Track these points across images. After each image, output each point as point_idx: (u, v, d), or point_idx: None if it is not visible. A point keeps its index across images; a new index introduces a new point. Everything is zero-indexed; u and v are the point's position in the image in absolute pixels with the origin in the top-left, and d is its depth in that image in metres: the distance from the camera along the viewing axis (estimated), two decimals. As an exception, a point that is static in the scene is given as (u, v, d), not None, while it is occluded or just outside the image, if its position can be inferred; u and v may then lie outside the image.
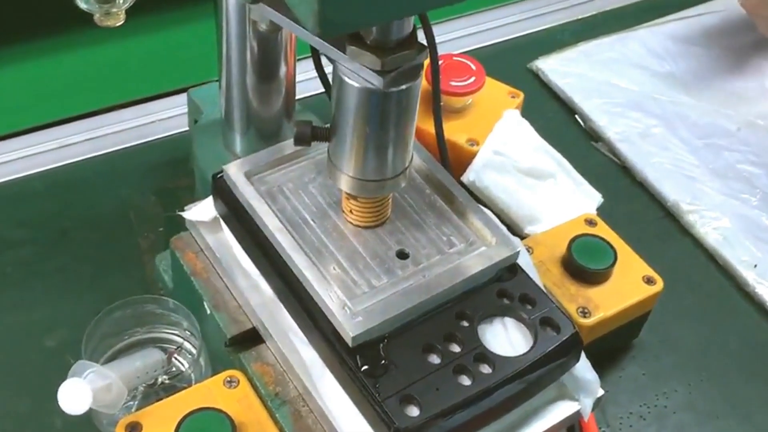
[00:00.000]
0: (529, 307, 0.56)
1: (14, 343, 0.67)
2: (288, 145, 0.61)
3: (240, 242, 0.60)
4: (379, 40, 0.47)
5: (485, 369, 0.53)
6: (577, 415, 0.57)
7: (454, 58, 0.77)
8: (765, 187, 0.82)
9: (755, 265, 0.76)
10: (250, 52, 0.63)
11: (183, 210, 0.63)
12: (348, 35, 0.47)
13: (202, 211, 0.62)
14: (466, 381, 0.52)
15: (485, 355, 0.53)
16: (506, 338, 0.55)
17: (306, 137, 0.53)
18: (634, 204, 0.82)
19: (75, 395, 0.53)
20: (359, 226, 0.57)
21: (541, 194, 0.74)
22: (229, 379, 0.57)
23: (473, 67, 0.77)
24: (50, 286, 0.71)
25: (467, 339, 0.53)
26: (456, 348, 0.53)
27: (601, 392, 0.58)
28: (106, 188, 0.78)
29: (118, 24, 0.52)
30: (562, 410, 0.56)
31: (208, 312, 0.61)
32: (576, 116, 0.89)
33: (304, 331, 0.56)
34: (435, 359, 0.53)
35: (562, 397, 0.57)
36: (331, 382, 0.54)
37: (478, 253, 0.57)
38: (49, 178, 0.79)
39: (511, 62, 0.94)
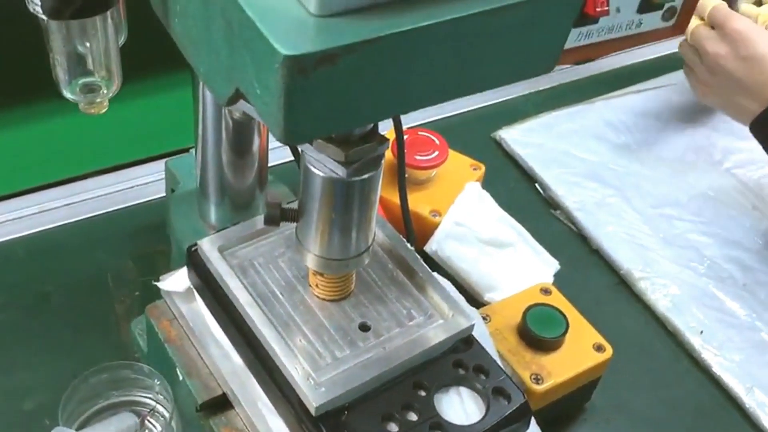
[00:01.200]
0: (483, 377, 0.59)
1: (-7, 405, 0.70)
2: (259, 221, 0.65)
3: (212, 313, 0.63)
4: (343, 134, 0.51)
5: (440, 437, 0.56)
6: (527, 478, 0.60)
7: (419, 133, 0.82)
8: (713, 256, 0.87)
9: (701, 332, 0.80)
10: (225, 131, 0.67)
11: (158, 280, 0.66)
12: (314, 129, 0.52)
13: (177, 281, 0.66)
14: (421, 452, 0.55)
15: (440, 424, 0.56)
16: (461, 407, 0.58)
17: (275, 219, 0.57)
18: (589, 271, 0.86)
19: (52, 461, 0.56)
20: (325, 300, 0.61)
21: (500, 263, 0.79)
22: (199, 444, 0.61)
23: (437, 141, 0.81)
24: (30, 349, 0.74)
25: (424, 408, 0.57)
26: (413, 417, 0.57)
27: (550, 457, 0.62)
28: (85, 253, 0.82)
29: (102, 112, 0.56)
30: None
31: (181, 378, 0.64)
32: (536, 185, 0.93)
33: (272, 400, 0.59)
34: (393, 428, 0.56)
35: (513, 461, 0.60)
36: (296, 449, 0.57)
37: (435, 325, 0.60)
38: (30, 243, 0.82)
39: (475, 132, 0.99)
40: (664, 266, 0.85)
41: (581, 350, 0.70)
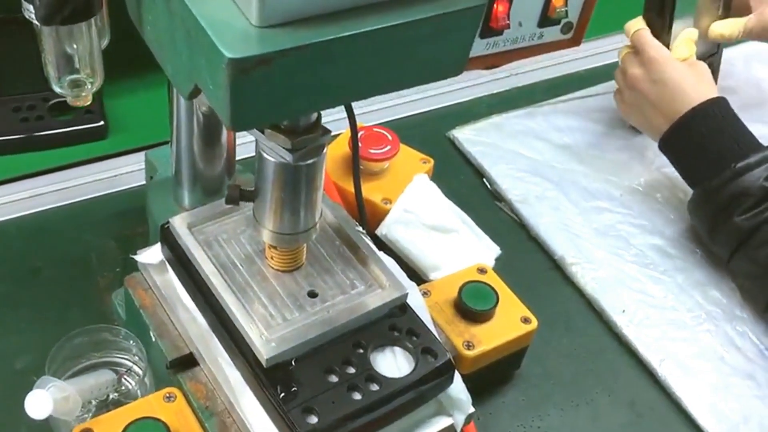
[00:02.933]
0: (414, 338, 0.69)
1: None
2: (224, 203, 0.74)
3: (181, 282, 0.73)
4: (290, 125, 0.60)
5: (374, 387, 0.65)
6: (452, 428, 0.70)
7: (374, 129, 0.91)
8: (639, 245, 0.96)
9: (623, 311, 0.89)
10: (197, 125, 0.76)
11: (136, 254, 0.75)
12: (266, 121, 0.61)
13: (151, 255, 0.75)
14: (357, 396, 0.64)
15: (374, 376, 0.66)
16: (394, 363, 0.67)
17: (235, 199, 0.66)
18: (527, 256, 0.96)
19: (38, 403, 0.64)
20: (278, 270, 0.70)
21: (444, 246, 0.88)
22: (168, 395, 0.69)
23: (389, 137, 0.90)
24: (20, 316, 0.82)
25: (361, 363, 0.66)
26: (351, 370, 0.66)
27: (471, 410, 0.71)
28: (72, 234, 0.90)
29: (86, 104, 0.66)
30: (438, 424, 0.69)
31: (153, 339, 0.73)
32: (484, 180, 1.03)
33: (230, 356, 0.68)
34: (333, 379, 0.65)
35: (439, 413, 0.70)
36: (250, 397, 0.66)
37: (374, 294, 0.70)
38: (23, 224, 0.91)
39: (431, 130, 1.08)
40: (594, 253, 0.95)
41: (509, 322, 0.80)
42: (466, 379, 0.72)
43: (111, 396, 0.74)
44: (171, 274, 0.74)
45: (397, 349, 0.69)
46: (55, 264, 0.87)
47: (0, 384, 0.77)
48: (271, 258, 0.70)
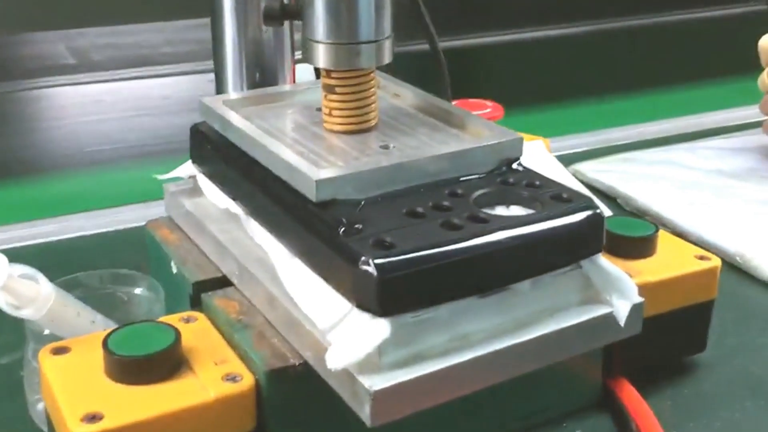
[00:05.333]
0: (538, 191, 0.46)
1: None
2: (266, 90, 0.57)
3: (216, 181, 0.53)
4: None
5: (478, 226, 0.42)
6: (611, 321, 0.45)
7: (470, 100, 0.74)
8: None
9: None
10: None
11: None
12: None
13: (180, 170, 0.57)
14: (455, 234, 0.42)
15: (479, 216, 0.43)
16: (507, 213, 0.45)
17: (275, 13, 0.50)
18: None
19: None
20: (341, 132, 0.51)
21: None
22: (186, 317, 0.48)
23: (489, 104, 0.73)
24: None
25: (460, 206, 0.44)
26: (445, 213, 0.43)
27: (638, 298, 0.46)
28: (103, 254, 0.73)
29: None
30: (589, 312, 0.44)
31: (175, 270, 0.53)
32: (618, 200, 0.82)
33: (273, 228, 0.47)
34: (418, 221, 0.43)
35: (590, 298, 0.45)
36: (297, 268, 0.44)
37: (474, 140, 0.49)
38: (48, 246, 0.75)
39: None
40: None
41: (679, 257, 0.56)
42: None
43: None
44: (203, 190, 0.55)
45: (513, 207, 0.46)
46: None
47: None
48: (330, 113, 0.51)
